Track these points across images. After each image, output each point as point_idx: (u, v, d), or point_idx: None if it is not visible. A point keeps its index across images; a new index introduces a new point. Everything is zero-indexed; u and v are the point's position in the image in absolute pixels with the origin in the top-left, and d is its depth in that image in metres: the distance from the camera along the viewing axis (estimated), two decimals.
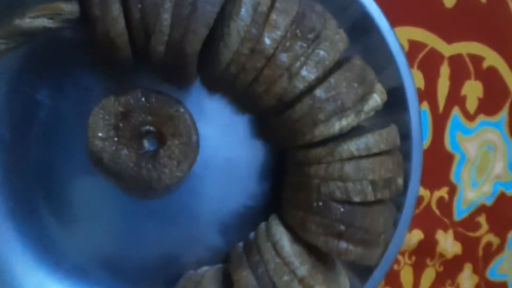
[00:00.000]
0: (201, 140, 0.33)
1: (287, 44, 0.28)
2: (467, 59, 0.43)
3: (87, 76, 0.33)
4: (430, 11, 0.41)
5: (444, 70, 0.43)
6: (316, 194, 0.29)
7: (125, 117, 0.32)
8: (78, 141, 0.32)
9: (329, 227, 0.28)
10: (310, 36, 0.29)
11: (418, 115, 0.34)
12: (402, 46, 0.34)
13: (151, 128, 0.32)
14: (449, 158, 0.44)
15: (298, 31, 0.29)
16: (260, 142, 0.35)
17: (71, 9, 0.29)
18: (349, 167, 0.28)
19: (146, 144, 0.33)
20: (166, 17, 0.27)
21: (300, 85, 0.29)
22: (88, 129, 0.32)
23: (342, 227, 0.28)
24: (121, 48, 0.28)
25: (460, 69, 0.43)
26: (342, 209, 0.28)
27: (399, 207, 0.34)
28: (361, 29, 0.34)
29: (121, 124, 0.32)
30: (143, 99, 0.32)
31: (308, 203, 0.29)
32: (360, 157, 0.28)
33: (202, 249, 0.35)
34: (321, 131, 0.28)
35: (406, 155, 0.33)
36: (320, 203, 0.28)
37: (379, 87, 0.30)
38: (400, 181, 0.30)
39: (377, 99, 0.29)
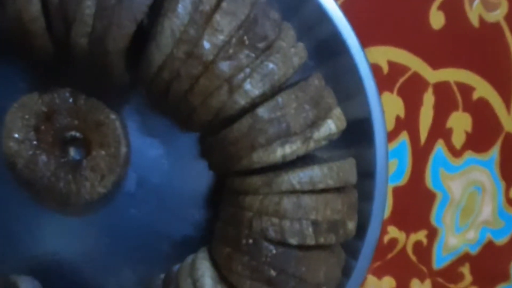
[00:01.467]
0: (137, 156, 0.30)
1: (231, 51, 0.24)
2: (454, 88, 0.39)
3: (8, 65, 0.29)
4: (414, 32, 0.37)
5: (428, 98, 0.38)
6: (247, 229, 0.24)
7: (48, 118, 0.28)
8: None
9: (257, 270, 0.24)
10: (260, 45, 0.25)
11: (385, 151, 0.30)
12: (373, 74, 0.30)
13: (77, 134, 0.28)
14: (430, 197, 0.39)
15: (246, 38, 0.24)
16: (203, 164, 0.30)
17: None
18: (287, 203, 0.24)
19: (72, 152, 0.29)
20: (89, 5, 0.23)
21: (242, 101, 0.24)
22: (3, 128, 0.28)
23: (273, 272, 0.24)
24: (36, 36, 0.24)
25: (447, 98, 0.39)
26: (274, 251, 0.24)
27: (354, 253, 0.29)
28: (329, 50, 0.30)
29: (43, 127, 0.28)
30: (70, 100, 0.28)
31: (237, 239, 0.24)
32: (303, 192, 0.24)
33: (128, 275, 0.31)
34: (259, 157, 0.24)
35: (368, 194, 0.29)
36: (250, 241, 0.24)
37: (337, 113, 0.26)
38: (351, 225, 0.26)
39: (331, 126, 0.25)
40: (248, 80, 0.24)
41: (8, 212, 0.30)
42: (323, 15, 0.30)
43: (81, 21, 0.23)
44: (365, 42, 0.35)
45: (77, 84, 0.28)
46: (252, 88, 0.24)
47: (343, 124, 0.26)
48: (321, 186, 0.24)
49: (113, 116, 0.28)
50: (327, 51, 0.31)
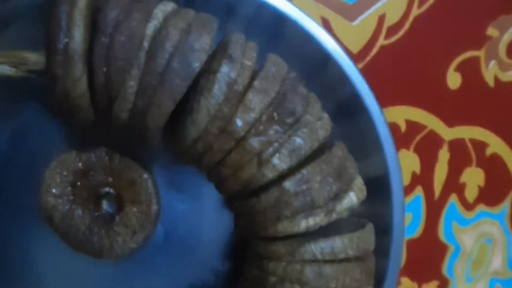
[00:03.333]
0: (165, 209, 0.31)
1: (261, 127, 0.26)
2: (469, 145, 0.40)
3: (51, 125, 0.30)
4: (432, 92, 0.38)
5: (443, 155, 0.40)
6: None
7: (84, 175, 0.30)
8: (29, 194, 0.30)
9: None
10: (288, 120, 0.26)
11: (402, 210, 0.32)
12: (391, 134, 0.31)
13: (111, 190, 0.30)
14: (442, 249, 0.41)
15: (275, 114, 0.26)
16: (228, 217, 0.32)
17: (36, 60, 0.27)
18: (309, 271, 0.25)
19: (105, 205, 0.31)
20: (132, 85, 0.25)
21: (270, 174, 0.26)
22: (43, 184, 0.29)
23: None
24: (81, 109, 0.26)
25: (461, 154, 0.40)
26: None
27: None
28: (349, 110, 0.32)
29: (79, 183, 0.30)
30: (106, 158, 0.30)
31: None
32: (324, 261, 0.26)
33: None
34: (284, 228, 0.26)
35: (384, 251, 0.31)
36: None
37: (358, 183, 0.27)
38: None
39: (353, 198, 0.27)
40: (277, 155, 0.26)
41: (40, 260, 0.32)
42: (343, 77, 0.31)
43: (124, 98, 0.25)
44: (384, 102, 0.36)
45: (112, 143, 0.30)
46: (280, 162, 0.26)
47: (363, 195, 0.28)
48: (341, 256, 0.26)
49: (145, 176, 0.30)
50: (347, 111, 0.32)
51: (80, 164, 0.30)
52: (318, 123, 0.27)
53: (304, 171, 0.26)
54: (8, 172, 0.30)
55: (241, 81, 0.25)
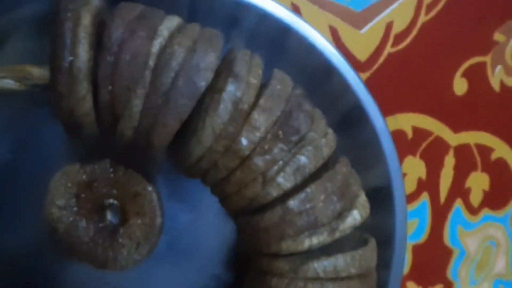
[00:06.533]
0: (169, 220, 0.31)
1: (266, 146, 0.26)
2: (474, 150, 0.40)
3: (54, 136, 0.30)
4: (438, 99, 0.38)
5: (449, 160, 0.40)
6: None
7: (88, 187, 0.30)
8: (33, 205, 0.30)
9: None
10: (294, 138, 0.26)
11: (404, 223, 0.32)
12: (395, 144, 0.31)
13: (115, 202, 0.30)
14: (447, 253, 0.41)
15: (280, 132, 0.26)
16: (231, 227, 0.32)
17: (41, 74, 0.26)
18: None
19: (109, 215, 0.31)
20: (137, 103, 0.25)
21: (274, 193, 0.26)
22: (47, 195, 0.29)
23: None
24: (86, 126, 0.26)
25: (466, 159, 0.40)
26: None
27: None
28: (352, 121, 0.32)
29: (83, 194, 0.30)
30: (110, 170, 0.30)
31: None
32: (326, 279, 0.26)
33: None
34: (288, 246, 0.26)
35: (386, 263, 0.31)
36: None
37: (361, 201, 0.27)
38: None
39: (356, 217, 0.27)
40: (281, 173, 0.26)
41: (44, 269, 0.32)
42: (347, 88, 0.31)
43: (129, 116, 0.25)
44: (391, 109, 0.36)
45: (116, 154, 0.30)
46: (285, 181, 0.26)
47: (367, 212, 0.28)
48: (344, 274, 0.26)
49: (150, 188, 0.30)
50: (350, 122, 0.32)
51: (84, 176, 0.30)
52: (323, 140, 0.27)
53: (308, 189, 0.26)
54: (11, 183, 0.30)
55: (247, 100, 0.25)
